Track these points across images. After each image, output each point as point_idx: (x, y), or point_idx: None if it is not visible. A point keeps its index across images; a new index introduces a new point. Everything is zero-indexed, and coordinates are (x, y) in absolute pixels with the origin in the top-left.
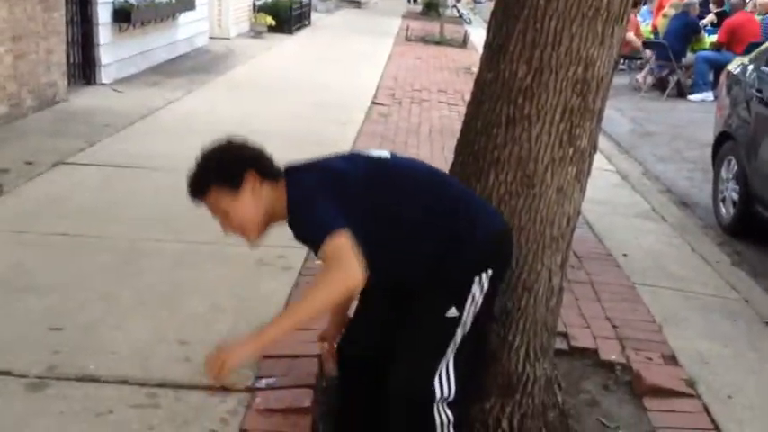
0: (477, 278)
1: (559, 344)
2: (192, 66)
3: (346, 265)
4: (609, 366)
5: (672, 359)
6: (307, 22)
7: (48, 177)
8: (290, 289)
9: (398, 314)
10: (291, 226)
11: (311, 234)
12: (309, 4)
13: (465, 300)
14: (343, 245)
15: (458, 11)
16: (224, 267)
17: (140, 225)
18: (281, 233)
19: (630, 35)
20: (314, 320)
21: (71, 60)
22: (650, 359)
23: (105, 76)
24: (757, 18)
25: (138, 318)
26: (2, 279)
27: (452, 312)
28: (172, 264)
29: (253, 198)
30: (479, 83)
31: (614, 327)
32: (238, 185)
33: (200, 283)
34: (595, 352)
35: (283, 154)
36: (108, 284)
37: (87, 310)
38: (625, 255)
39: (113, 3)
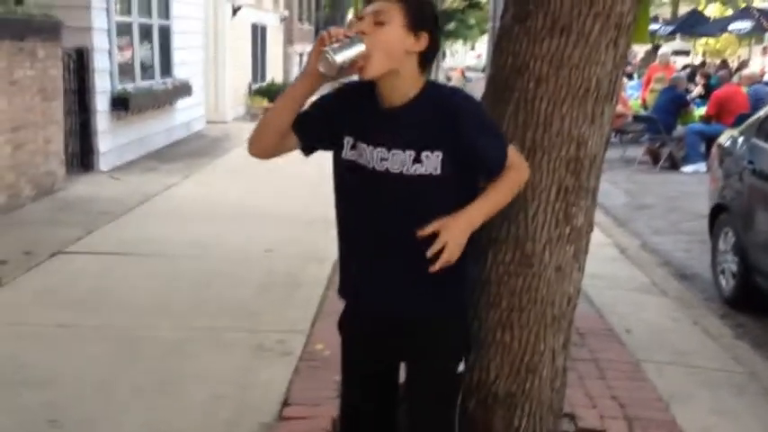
0: None
1: (566, 425)
2: (189, 150)
3: (526, 165)
4: None
5: None
6: None
7: (46, 267)
8: (290, 375)
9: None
10: (460, 118)
11: (499, 140)
12: None
13: None
14: (516, 151)
15: None
16: (223, 354)
17: (137, 313)
18: (280, 317)
19: (619, 107)
20: None
21: (69, 149)
22: None
23: (103, 163)
24: (744, 90)
25: (136, 409)
26: None
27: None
28: (170, 351)
29: (408, 49)
30: None
31: (621, 406)
32: (414, 30)
33: (199, 371)
34: None
35: (278, 232)
36: (105, 375)
37: (85, 402)
38: (628, 331)
39: (111, 91)
